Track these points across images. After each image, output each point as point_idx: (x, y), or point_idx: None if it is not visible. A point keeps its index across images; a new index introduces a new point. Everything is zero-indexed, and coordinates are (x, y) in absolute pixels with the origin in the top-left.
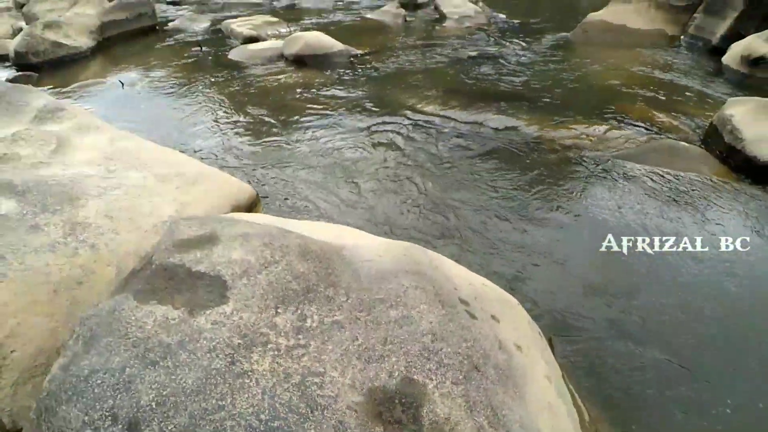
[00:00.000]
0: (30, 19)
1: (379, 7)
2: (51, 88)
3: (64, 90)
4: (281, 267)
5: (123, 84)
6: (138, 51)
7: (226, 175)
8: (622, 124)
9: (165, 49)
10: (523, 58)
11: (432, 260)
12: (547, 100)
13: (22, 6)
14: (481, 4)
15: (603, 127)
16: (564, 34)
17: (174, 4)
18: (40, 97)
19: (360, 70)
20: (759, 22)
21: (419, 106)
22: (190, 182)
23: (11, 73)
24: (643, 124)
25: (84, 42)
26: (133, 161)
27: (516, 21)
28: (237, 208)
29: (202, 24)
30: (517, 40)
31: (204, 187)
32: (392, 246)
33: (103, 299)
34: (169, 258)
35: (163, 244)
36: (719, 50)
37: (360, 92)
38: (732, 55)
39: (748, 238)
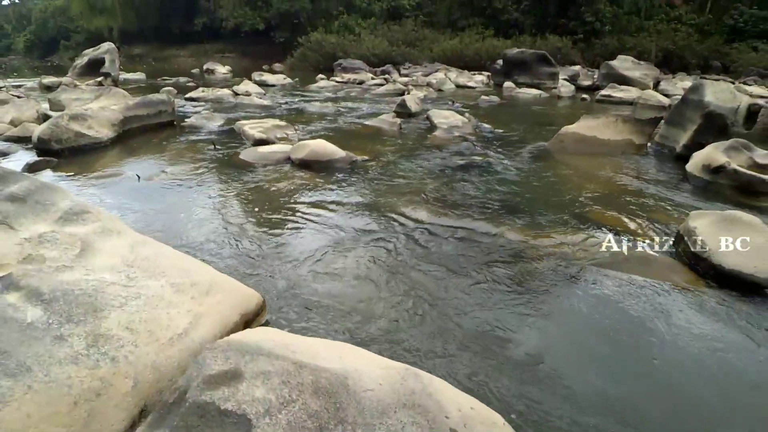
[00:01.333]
0: (55, 105)
1: (378, 114)
2: (69, 175)
3: (82, 179)
4: (298, 406)
5: (139, 177)
6: (155, 145)
7: (236, 283)
8: (598, 232)
9: (181, 145)
10: (506, 166)
11: (425, 386)
12: (530, 208)
13: (47, 88)
14: (467, 115)
15: (581, 235)
16: (542, 143)
17: (191, 100)
18: (66, 197)
19: (360, 176)
20: (715, 133)
21: (413, 213)
22: (204, 292)
23: (32, 156)
24: (617, 232)
25: (105, 133)
26: (151, 269)
27: (499, 131)
28: (245, 316)
29: (217, 122)
30: (500, 149)
31: (217, 298)
32: (390, 372)
33: (121, 413)
34: (201, 396)
35: (194, 380)
36: (683, 157)
37: (359, 198)
38: (694, 164)
39: (715, 342)
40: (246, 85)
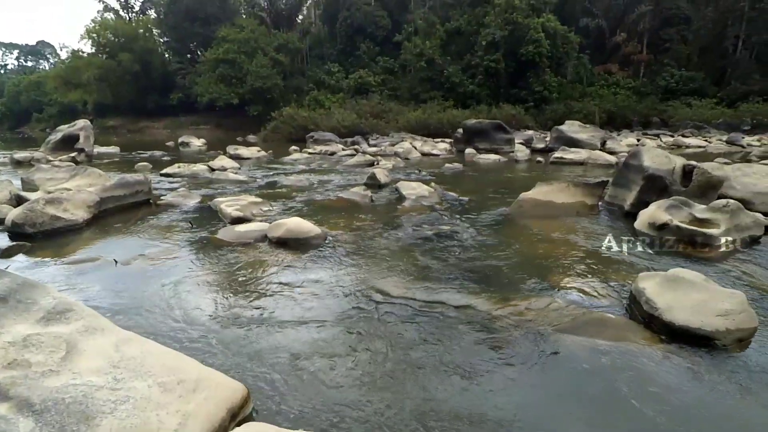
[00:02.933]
0: (29, 185)
1: (350, 186)
2: (44, 261)
3: (58, 264)
4: None
5: (117, 262)
6: (132, 225)
7: (221, 377)
8: (559, 297)
9: (158, 225)
10: (471, 234)
11: None
12: (495, 275)
13: (18, 163)
14: (433, 184)
15: (544, 301)
16: (504, 208)
17: (167, 176)
18: (48, 294)
19: (334, 252)
20: (657, 192)
21: (386, 288)
22: (191, 389)
23: (4, 239)
24: (576, 296)
25: (81, 215)
26: (137, 368)
27: (464, 198)
28: (232, 410)
29: (193, 200)
30: (465, 217)
31: (203, 394)
32: None
33: None
34: None
35: None
36: (632, 214)
37: (334, 276)
38: (642, 222)
39: (674, 395)
40: (221, 160)
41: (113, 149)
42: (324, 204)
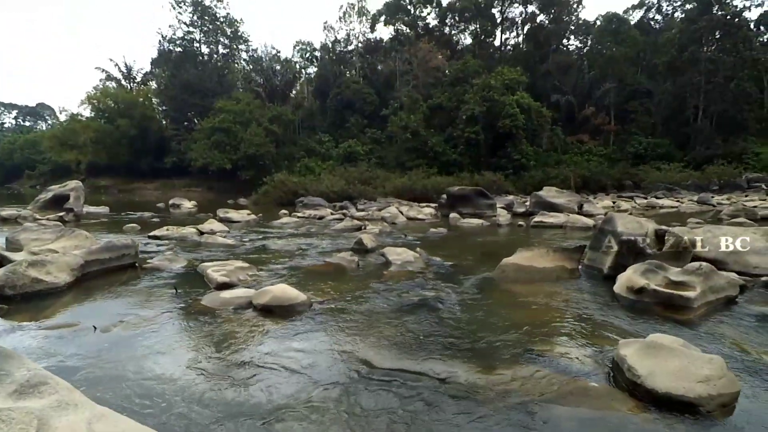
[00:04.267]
0: (13, 245)
1: (337, 250)
2: (21, 325)
3: (35, 329)
4: None
5: (96, 328)
6: (115, 289)
7: None
8: (544, 365)
9: (142, 290)
10: (456, 301)
11: None
12: (479, 343)
13: (4, 220)
14: (418, 249)
15: (528, 369)
16: (488, 273)
17: (155, 238)
18: (23, 365)
19: (319, 320)
20: (633, 256)
21: (369, 357)
22: None
23: None
24: (559, 363)
25: (63, 278)
26: None
27: (448, 263)
28: None
29: (180, 264)
30: (450, 283)
31: None
32: None
33: None
34: None
35: None
36: (611, 277)
37: (318, 343)
38: (620, 285)
39: None
40: (211, 224)
41: (103, 209)
42: (311, 269)
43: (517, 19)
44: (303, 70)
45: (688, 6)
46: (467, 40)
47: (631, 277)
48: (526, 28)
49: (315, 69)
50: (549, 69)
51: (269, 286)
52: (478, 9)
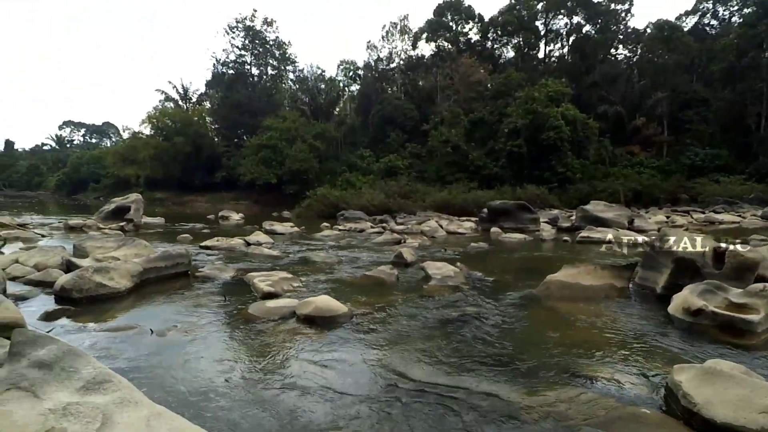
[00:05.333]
0: (80, 252)
1: (377, 263)
2: (85, 326)
3: (97, 330)
4: None
5: (152, 331)
6: (169, 296)
7: None
8: (590, 387)
9: (194, 297)
10: (497, 317)
11: None
12: (522, 362)
13: (71, 228)
14: (459, 264)
15: (574, 391)
16: (530, 290)
17: (206, 248)
18: (89, 363)
19: (360, 332)
20: (690, 275)
21: (408, 370)
22: None
23: (50, 303)
24: (607, 387)
25: (124, 284)
26: None
27: (489, 278)
28: None
29: (228, 273)
30: (491, 298)
31: None
32: None
33: None
34: None
35: None
36: (664, 297)
37: (357, 354)
38: (675, 306)
39: None
40: (257, 236)
41: (158, 220)
42: (351, 281)
43: (561, 31)
44: (346, 88)
45: (746, 10)
46: (509, 54)
47: (687, 297)
48: (571, 39)
49: (358, 87)
50: (596, 80)
51: (312, 297)
52: (521, 22)
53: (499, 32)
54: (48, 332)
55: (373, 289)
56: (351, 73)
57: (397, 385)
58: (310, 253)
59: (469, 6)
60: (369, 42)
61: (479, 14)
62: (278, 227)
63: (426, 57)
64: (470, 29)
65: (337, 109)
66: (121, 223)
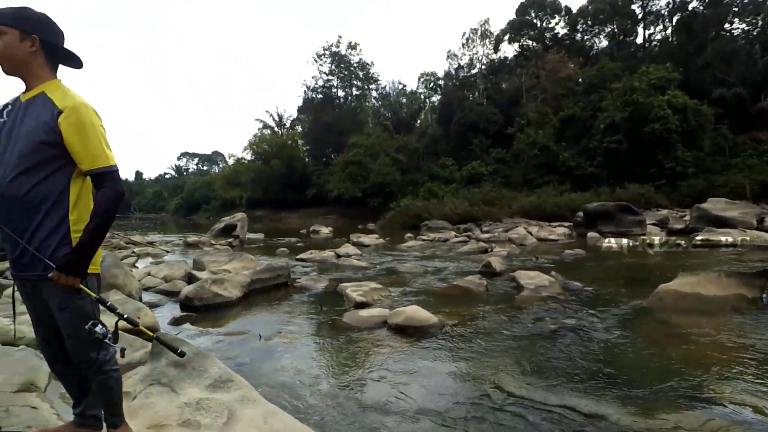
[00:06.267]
0: (198, 265)
1: (464, 273)
2: (204, 330)
3: (215, 334)
4: None
5: (261, 337)
6: (273, 305)
7: None
8: (717, 412)
9: (293, 305)
10: (601, 330)
11: None
12: (633, 380)
13: (189, 245)
14: (553, 273)
15: (697, 416)
16: (638, 302)
17: (301, 260)
18: (215, 364)
19: (450, 342)
20: None
21: (502, 383)
22: None
23: (176, 309)
24: (738, 412)
25: (235, 294)
26: None
27: (589, 288)
28: None
29: (322, 284)
30: (593, 310)
31: None
32: None
33: None
34: None
35: None
36: None
37: (449, 365)
38: None
39: None
40: (346, 248)
41: (259, 236)
42: (439, 291)
43: (663, 11)
44: (427, 100)
45: None
46: (602, 44)
47: None
48: (675, 18)
49: (438, 97)
50: (708, 60)
51: (402, 307)
52: (614, 8)
53: (590, 22)
54: (177, 335)
55: (462, 299)
56: (432, 84)
57: (490, 397)
58: (396, 263)
59: (554, 0)
60: (449, 51)
61: (566, 6)
62: (364, 239)
63: (509, 59)
64: (557, 23)
65: (419, 121)
66: (230, 239)
